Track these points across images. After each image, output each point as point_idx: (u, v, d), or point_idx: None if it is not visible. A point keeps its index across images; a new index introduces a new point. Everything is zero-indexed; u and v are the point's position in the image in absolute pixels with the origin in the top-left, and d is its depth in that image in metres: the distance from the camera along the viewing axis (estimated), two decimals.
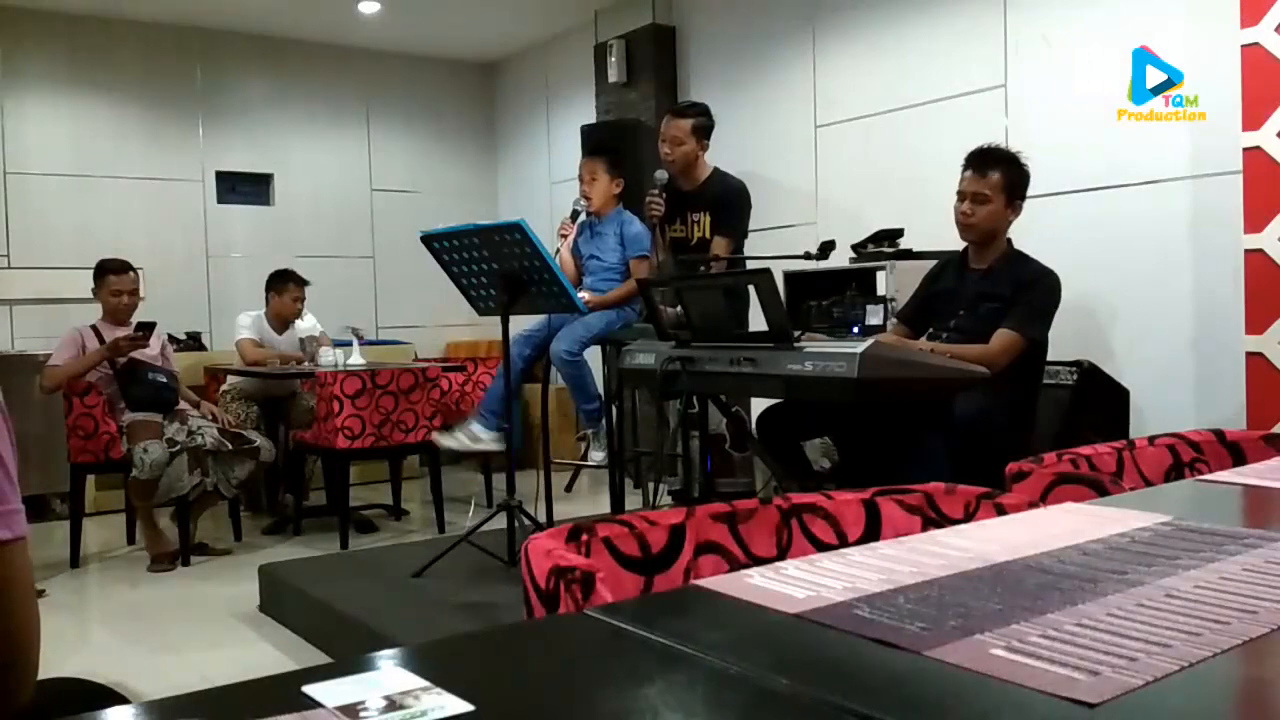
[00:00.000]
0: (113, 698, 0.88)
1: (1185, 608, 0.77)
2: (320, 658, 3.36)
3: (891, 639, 0.69)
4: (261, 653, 3.45)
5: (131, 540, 4.95)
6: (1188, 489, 1.34)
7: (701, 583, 0.86)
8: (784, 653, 0.70)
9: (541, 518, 3.86)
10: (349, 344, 5.26)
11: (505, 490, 3.72)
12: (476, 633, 0.80)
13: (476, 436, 4.14)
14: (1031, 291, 3.20)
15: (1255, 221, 3.43)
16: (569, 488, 6.03)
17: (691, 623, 0.76)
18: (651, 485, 4.68)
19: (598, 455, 4.23)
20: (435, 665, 0.66)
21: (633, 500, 4.79)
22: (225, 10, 6.70)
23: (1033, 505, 1.24)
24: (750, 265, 3.98)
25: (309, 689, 0.63)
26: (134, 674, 3.14)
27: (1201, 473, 1.67)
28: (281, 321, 5.41)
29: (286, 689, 0.64)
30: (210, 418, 4.78)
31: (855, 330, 4.15)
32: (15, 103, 6.44)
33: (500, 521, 3.67)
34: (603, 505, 5.53)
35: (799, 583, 0.85)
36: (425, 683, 0.63)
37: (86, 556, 4.72)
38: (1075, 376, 3.82)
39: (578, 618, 0.79)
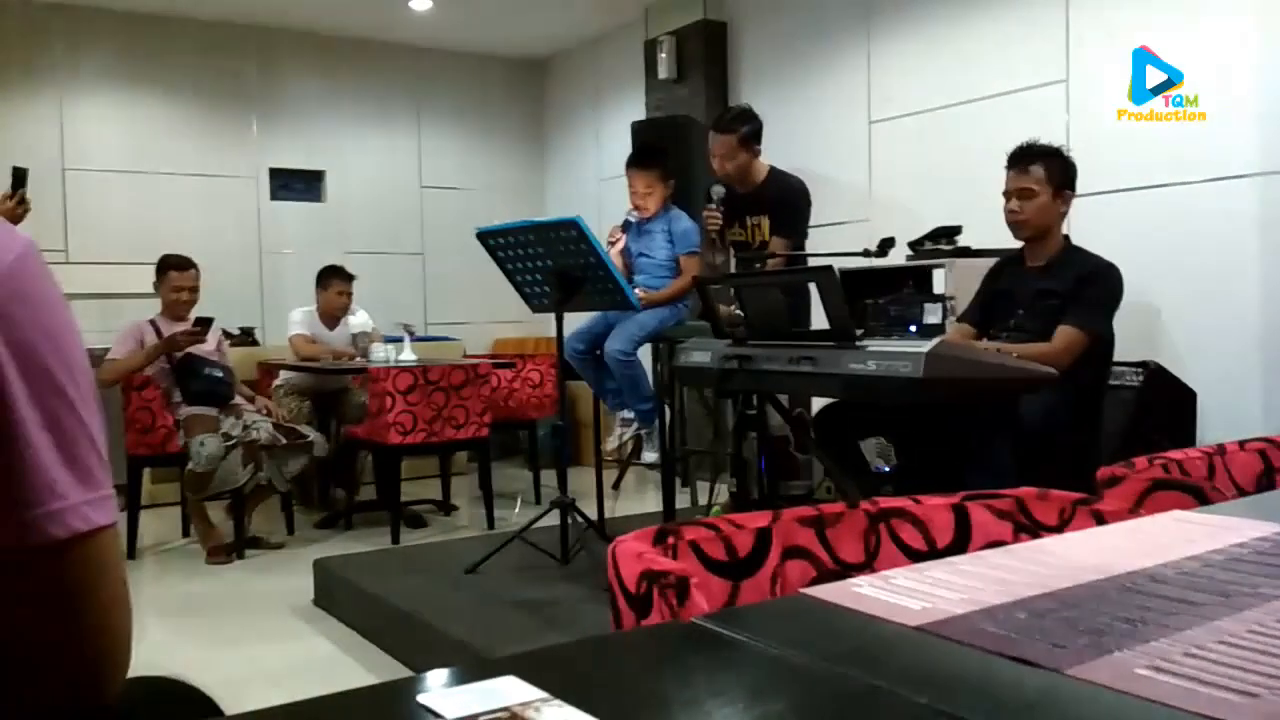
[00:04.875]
0: (205, 704, 0.86)
1: None
2: (375, 652, 3.37)
3: (1027, 655, 0.66)
4: (316, 646, 3.47)
5: (186, 533, 5.01)
6: None
7: (808, 592, 0.83)
8: (914, 668, 0.67)
9: (592, 515, 3.84)
10: (400, 340, 5.28)
11: (554, 487, 3.71)
12: (587, 640, 0.77)
13: (629, 421, 4.26)
14: (1092, 285, 3.13)
15: None
16: (616, 485, 6.02)
17: (807, 634, 0.73)
18: (706, 484, 4.65)
19: (650, 455, 4.20)
20: (551, 675, 0.64)
21: (681, 499, 4.77)
22: (280, 8, 6.76)
23: (1131, 512, 1.19)
24: (809, 263, 3.93)
25: (425, 699, 0.61)
26: (191, 665, 3.17)
27: None
28: (331, 317, 5.45)
29: (400, 698, 0.62)
30: (265, 412, 4.82)
31: (913, 329, 4.08)
32: (74, 100, 6.55)
33: (550, 519, 3.66)
34: (650, 503, 5.52)
35: (911, 593, 0.82)
36: (544, 694, 0.61)
37: (142, 549, 4.78)
38: (1141, 377, 3.74)
39: (687, 626, 0.76)
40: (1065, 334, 3.06)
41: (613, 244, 4.30)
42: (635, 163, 4.26)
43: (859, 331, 2.74)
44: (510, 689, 0.62)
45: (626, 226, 4.25)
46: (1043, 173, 3.20)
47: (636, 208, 4.21)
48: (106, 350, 4.68)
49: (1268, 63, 3.87)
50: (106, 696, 0.73)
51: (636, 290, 3.98)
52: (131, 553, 4.63)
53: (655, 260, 4.26)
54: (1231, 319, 3.97)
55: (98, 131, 6.61)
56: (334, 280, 5.43)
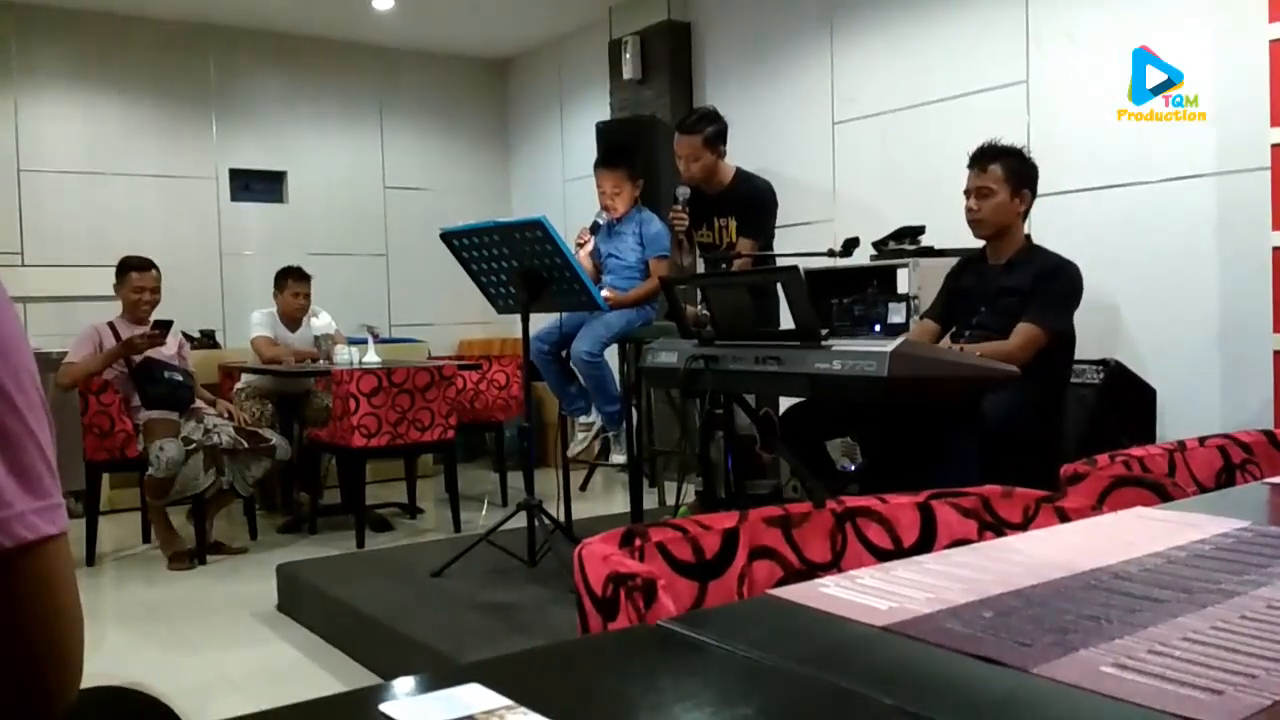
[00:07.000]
0: (165, 714, 0.84)
1: None
2: (340, 658, 3.34)
3: (993, 654, 0.66)
4: (281, 653, 3.42)
5: (147, 539, 4.93)
6: (1259, 492, 1.30)
7: (775, 593, 0.83)
8: (881, 669, 0.67)
9: (559, 518, 3.83)
10: (364, 341, 5.23)
11: (521, 489, 3.69)
12: (552, 646, 0.76)
13: (588, 425, 4.17)
14: (1051, 283, 3.17)
15: None
16: (583, 487, 6.01)
17: (774, 636, 0.73)
18: (674, 485, 4.65)
19: (618, 457, 4.19)
20: (516, 682, 0.63)
21: (648, 499, 4.76)
22: (239, 7, 6.68)
23: (1094, 509, 1.20)
24: (775, 263, 3.94)
25: (387, 708, 0.60)
26: (153, 673, 3.12)
27: (1253, 474, 1.64)
28: (292, 319, 5.37)
29: (363, 707, 0.61)
30: (227, 416, 4.76)
31: (877, 328, 4.11)
32: (30, 100, 6.43)
33: (517, 521, 3.64)
34: (618, 504, 5.51)
35: (878, 593, 0.82)
36: (509, 701, 0.60)
37: (102, 555, 4.70)
38: (1102, 375, 3.78)
39: (653, 630, 0.75)
40: (1024, 331, 3.09)
41: (581, 245, 4.27)
42: (603, 163, 4.23)
43: (824, 331, 2.74)
44: (474, 697, 0.61)
45: (596, 228, 4.22)
46: (1001, 172, 3.23)
47: (605, 208, 4.18)
48: (64, 354, 4.59)
49: (1221, 62, 3.93)
50: (55, 711, 0.71)
51: (604, 291, 3.96)
52: (91, 559, 4.55)
53: (624, 262, 4.24)
54: (1190, 317, 4.03)
55: (54, 132, 6.49)
56: (289, 281, 5.35)
